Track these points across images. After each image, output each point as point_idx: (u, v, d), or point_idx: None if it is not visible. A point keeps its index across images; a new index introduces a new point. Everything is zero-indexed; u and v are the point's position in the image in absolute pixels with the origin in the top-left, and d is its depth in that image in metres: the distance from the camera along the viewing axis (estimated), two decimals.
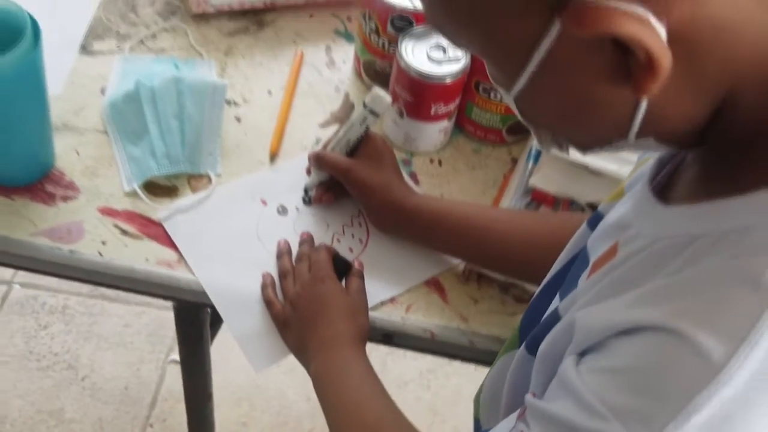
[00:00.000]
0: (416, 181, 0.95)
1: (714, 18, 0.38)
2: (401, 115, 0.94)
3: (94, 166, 0.90)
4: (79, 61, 0.99)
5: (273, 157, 0.94)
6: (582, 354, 0.44)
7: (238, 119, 0.97)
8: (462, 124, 0.99)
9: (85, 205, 0.87)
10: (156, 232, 0.86)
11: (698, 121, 0.43)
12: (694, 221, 0.43)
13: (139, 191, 0.87)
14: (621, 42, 0.37)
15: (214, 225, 0.86)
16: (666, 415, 0.37)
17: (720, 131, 0.43)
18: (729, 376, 0.36)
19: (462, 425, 1.64)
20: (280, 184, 0.90)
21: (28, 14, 0.78)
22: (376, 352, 0.87)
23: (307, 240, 0.87)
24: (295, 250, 0.87)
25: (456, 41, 0.44)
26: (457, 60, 0.91)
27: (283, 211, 0.89)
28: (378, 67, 0.99)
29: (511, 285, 0.87)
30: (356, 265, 0.85)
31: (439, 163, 0.97)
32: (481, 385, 0.72)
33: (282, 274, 0.85)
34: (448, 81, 0.91)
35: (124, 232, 0.86)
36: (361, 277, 0.85)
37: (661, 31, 0.37)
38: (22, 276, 1.74)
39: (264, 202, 0.89)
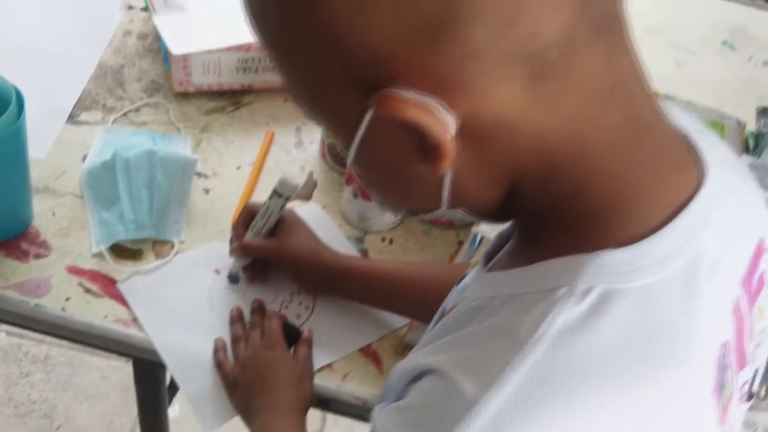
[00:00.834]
0: (366, 258, 1.01)
1: (494, 116, 0.43)
2: (355, 195, 1.02)
3: (67, 227, 0.98)
4: (66, 129, 1.08)
5: (235, 228, 1.01)
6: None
7: (207, 191, 1.05)
8: None
9: (55, 262, 0.94)
10: (117, 292, 0.93)
11: (494, 201, 0.49)
12: (493, 286, 0.50)
13: (106, 253, 0.95)
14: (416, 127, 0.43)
15: (169, 290, 0.93)
16: None
17: (514, 213, 0.50)
18: (479, 412, 0.42)
19: None
20: (235, 259, 0.97)
21: (14, 87, 0.86)
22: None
23: (258, 308, 0.94)
24: (247, 316, 0.93)
25: (305, 113, 0.50)
26: None
27: (234, 280, 0.96)
28: (339, 150, 1.07)
29: None
30: (306, 333, 0.92)
31: (390, 241, 1.04)
32: None
33: (234, 340, 0.91)
34: None
35: (88, 290, 0.93)
36: (310, 346, 0.91)
37: (451, 121, 0.43)
38: (8, 326, 1.80)
39: (217, 271, 0.96)
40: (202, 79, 1.12)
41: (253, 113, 1.15)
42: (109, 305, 0.92)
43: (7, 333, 1.81)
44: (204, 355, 0.90)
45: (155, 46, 1.19)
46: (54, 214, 0.99)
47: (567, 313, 0.44)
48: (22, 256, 0.94)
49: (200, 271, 0.96)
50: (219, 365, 0.89)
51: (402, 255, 1.02)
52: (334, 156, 1.09)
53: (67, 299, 0.91)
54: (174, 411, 1.16)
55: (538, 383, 0.43)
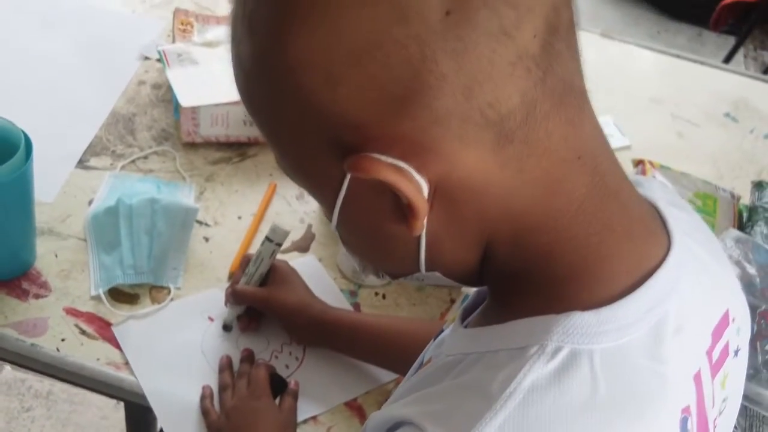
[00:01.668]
0: (358, 311, 1.03)
1: (463, 178, 0.46)
2: None
3: (68, 269, 1.01)
4: (75, 173, 1.12)
5: (231, 276, 1.04)
6: None
7: (206, 239, 1.07)
8: None
9: (54, 303, 0.97)
10: (111, 335, 0.95)
11: (470, 263, 0.52)
12: (468, 342, 0.52)
13: (103, 296, 0.97)
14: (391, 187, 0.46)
15: (162, 336, 0.95)
16: None
17: (488, 274, 0.52)
18: None
19: None
20: (229, 308, 0.99)
21: (23, 132, 0.90)
22: None
23: (247, 357, 0.95)
24: (236, 364, 0.95)
25: (293, 180, 0.53)
26: None
27: (227, 328, 0.98)
28: (325, 215, 1.10)
29: None
30: (292, 384, 0.93)
31: (383, 296, 1.05)
32: None
33: (222, 388, 0.93)
34: None
35: (83, 332, 0.95)
36: (295, 397, 0.93)
37: (423, 183, 0.46)
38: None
39: (211, 319, 0.98)
40: (209, 130, 1.16)
41: (257, 165, 1.18)
42: (102, 348, 0.94)
43: (12, 367, 1.84)
44: (192, 401, 0.91)
45: (167, 97, 1.23)
46: (56, 256, 1.02)
47: (537, 371, 0.46)
48: (23, 295, 0.97)
49: (194, 318, 0.98)
50: (205, 413, 0.91)
51: (394, 310, 1.04)
52: None
53: (63, 340, 0.94)
54: None
55: None
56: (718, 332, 0.55)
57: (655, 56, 1.51)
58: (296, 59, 0.43)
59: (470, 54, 0.42)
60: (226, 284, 1.02)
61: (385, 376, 0.96)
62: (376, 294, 1.05)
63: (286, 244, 1.08)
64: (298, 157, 0.50)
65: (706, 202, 1.06)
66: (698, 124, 1.37)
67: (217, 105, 1.13)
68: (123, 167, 1.13)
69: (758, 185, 1.12)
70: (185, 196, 1.10)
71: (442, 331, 0.68)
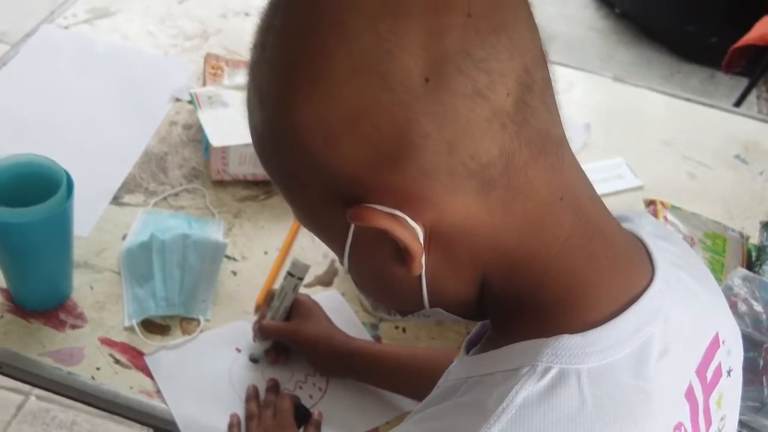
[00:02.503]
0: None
1: (454, 222, 0.51)
2: None
3: (103, 301, 1.05)
4: (109, 209, 1.17)
5: (258, 309, 1.08)
6: None
7: (234, 273, 1.12)
8: None
9: (89, 333, 1.02)
10: (144, 364, 0.99)
11: (468, 298, 0.57)
12: (470, 367, 0.57)
13: (136, 327, 1.02)
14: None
15: (193, 365, 1.00)
16: None
17: (487, 306, 0.58)
18: None
19: None
20: (256, 341, 1.03)
21: (65, 171, 0.95)
22: None
23: (273, 387, 0.99)
24: (262, 394, 0.99)
25: (310, 231, 0.59)
26: None
27: (255, 359, 1.02)
28: (340, 262, 1.15)
29: None
30: (316, 414, 0.97)
31: (403, 330, 1.09)
32: None
33: (248, 417, 0.97)
34: None
35: (117, 361, 0.99)
36: (318, 427, 0.97)
37: (418, 229, 0.51)
38: (40, 389, 1.87)
39: (238, 350, 1.03)
40: (238, 169, 1.21)
41: (282, 202, 1.21)
42: (135, 376, 0.98)
43: (38, 397, 1.88)
44: (220, 429, 0.95)
45: (198, 137, 1.28)
46: (92, 288, 1.07)
47: (528, 389, 0.50)
48: (60, 325, 1.02)
49: (223, 349, 1.03)
50: None
51: (413, 343, 1.08)
52: None
53: (98, 369, 0.98)
54: None
55: None
56: (709, 354, 0.60)
57: (666, 99, 1.56)
58: (299, 124, 0.49)
59: (449, 114, 0.48)
60: (252, 317, 1.07)
61: (407, 405, 1.00)
62: (397, 327, 1.09)
63: (309, 279, 1.13)
64: (308, 210, 0.56)
65: (716, 242, 1.10)
66: (709, 165, 1.41)
67: (245, 145, 1.18)
68: (155, 204, 1.19)
69: (766, 226, 1.16)
70: (214, 231, 1.15)
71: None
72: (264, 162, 0.56)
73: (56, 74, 1.36)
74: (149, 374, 0.98)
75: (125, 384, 0.97)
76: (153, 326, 1.04)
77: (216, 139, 1.19)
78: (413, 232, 0.51)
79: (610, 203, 0.58)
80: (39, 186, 0.94)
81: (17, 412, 1.86)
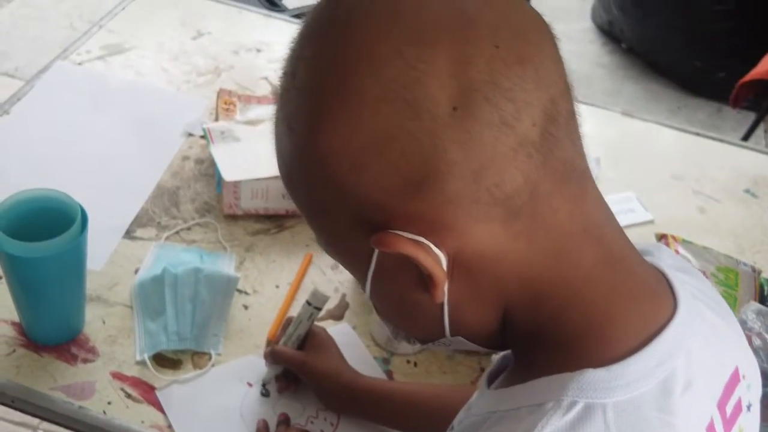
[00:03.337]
0: (391, 379, 1.07)
1: (478, 251, 0.52)
2: None
3: (115, 335, 1.06)
4: (122, 243, 1.17)
5: (269, 343, 1.08)
6: None
7: (246, 307, 1.12)
8: None
9: (101, 368, 1.02)
10: (155, 398, 0.99)
11: (490, 327, 0.57)
12: (493, 402, 0.57)
13: (148, 361, 1.02)
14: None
15: (204, 400, 0.99)
16: None
17: (509, 337, 0.58)
18: None
19: None
20: (268, 367, 1.03)
21: (80, 206, 0.96)
22: None
23: (283, 421, 0.99)
24: (272, 428, 0.99)
25: (332, 257, 0.60)
26: None
27: (266, 393, 1.01)
28: (362, 288, 1.14)
29: None
30: None
31: (415, 364, 1.09)
32: None
33: None
34: None
35: (128, 396, 0.99)
36: None
37: (442, 256, 0.52)
38: (48, 424, 1.86)
39: (249, 384, 1.02)
40: (250, 203, 1.22)
41: (294, 236, 1.23)
42: (147, 411, 0.98)
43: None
44: None
45: (210, 171, 1.29)
46: (104, 322, 1.07)
47: (554, 423, 0.51)
48: (71, 359, 1.02)
49: (234, 383, 1.02)
50: None
51: (425, 378, 1.07)
52: None
53: (109, 403, 0.98)
54: None
55: None
56: (729, 388, 0.60)
57: (675, 134, 1.56)
58: (327, 151, 0.51)
59: (475, 143, 0.49)
60: (263, 351, 1.06)
61: None
62: (408, 362, 1.09)
63: (321, 312, 1.12)
64: (332, 236, 0.57)
65: (728, 276, 1.10)
66: (719, 199, 1.41)
67: (257, 179, 1.19)
68: (167, 238, 1.19)
69: None
70: (226, 265, 1.16)
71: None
72: (290, 188, 0.57)
73: (70, 110, 1.37)
74: (161, 409, 0.98)
75: (137, 418, 0.97)
76: (165, 360, 1.04)
77: (228, 174, 1.19)
78: (437, 259, 0.52)
79: None
80: (53, 220, 0.94)
81: None
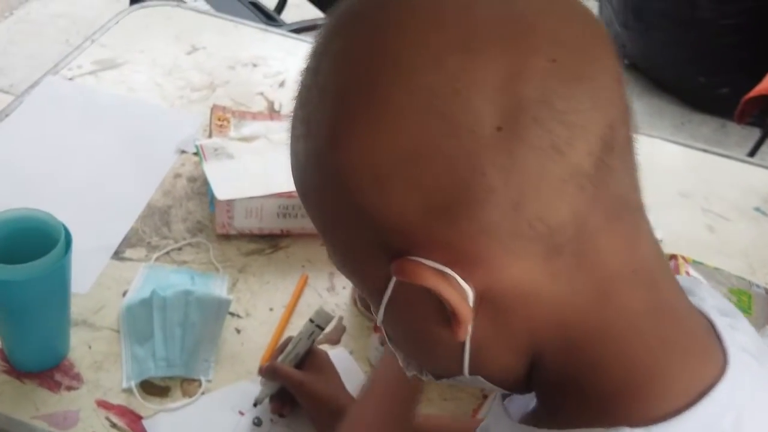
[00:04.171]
0: None
1: (511, 288, 0.46)
2: (382, 343, 1.03)
3: (101, 361, 1.01)
4: (110, 264, 1.13)
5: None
6: None
7: (238, 330, 1.08)
8: None
9: (85, 395, 0.97)
10: (142, 428, 0.94)
11: (515, 371, 0.52)
12: None
13: (135, 389, 0.97)
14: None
15: (194, 429, 0.95)
16: None
17: (536, 382, 0.52)
18: None
19: None
20: (263, 385, 0.98)
21: (63, 225, 0.92)
22: None
23: None
24: None
25: (345, 276, 0.55)
26: None
27: (258, 422, 0.97)
28: (372, 311, 1.10)
29: None
30: None
31: None
32: None
33: None
34: None
35: (113, 425, 0.94)
36: None
37: (468, 290, 0.46)
38: None
39: (241, 413, 0.98)
40: (243, 222, 1.18)
41: (289, 256, 1.19)
42: None
43: None
44: None
45: (203, 190, 1.25)
46: (90, 348, 1.02)
47: None
48: (55, 387, 0.97)
49: (225, 412, 0.98)
50: None
51: (425, 406, 1.02)
52: (364, 303, 1.11)
53: None
54: None
55: None
56: None
57: (681, 150, 1.52)
58: (347, 161, 0.45)
59: (520, 169, 0.43)
60: (257, 377, 1.02)
61: None
62: None
63: (323, 332, 1.08)
64: (346, 254, 0.51)
65: (741, 299, 1.05)
66: (728, 218, 1.37)
67: (251, 198, 1.15)
68: (157, 258, 1.15)
69: None
70: (218, 287, 1.11)
71: None
72: (302, 194, 0.51)
73: (59, 126, 1.34)
74: None
75: None
76: (152, 388, 0.99)
77: (221, 192, 1.15)
78: (463, 293, 0.46)
79: None
80: (36, 241, 0.90)
81: None
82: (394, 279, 0.48)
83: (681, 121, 3.23)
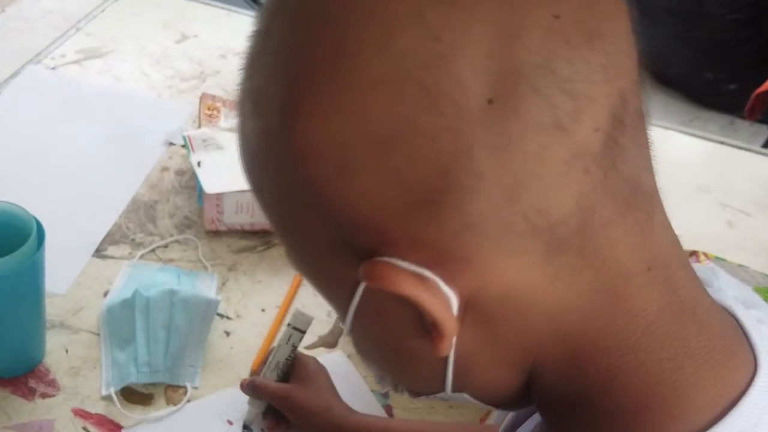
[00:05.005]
0: (391, 414, 0.95)
1: (502, 292, 0.39)
2: None
3: (79, 366, 0.94)
4: (91, 263, 1.06)
5: (253, 374, 0.96)
6: None
7: (227, 333, 1.00)
8: None
9: (61, 404, 0.90)
10: None
11: (509, 387, 0.44)
12: None
13: (115, 397, 0.90)
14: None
15: None
16: None
17: (535, 398, 0.45)
18: None
19: None
20: (249, 404, 0.91)
21: (35, 219, 0.84)
22: None
23: None
24: None
25: (303, 278, 0.47)
26: None
27: (247, 424, 0.89)
28: (340, 320, 1.03)
29: None
30: None
31: None
32: None
33: None
34: None
35: None
36: None
37: (452, 296, 0.39)
38: None
39: (230, 422, 0.90)
40: (234, 218, 1.10)
41: (282, 254, 1.10)
42: None
43: None
44: None
45: (191, 183, 1.18)
46: (67, 352, 0.95)
47: None
48: (29, 394, 0.90)
49: (212, 421, 0.90)
50: None
51: (429, 414, 0.95)
52: None
53: None
54: None
55: None
56: None
57: (696, 143, 1.45)
58: (305, 143, 0.38)
59: (515, 150, 0.36)
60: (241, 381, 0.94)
61: None
62: None
63: (311, 338, 1.01)
64: (306, 254, 0.43)
65: (767, 298, 0.98)
66: (749, 212, 1.30)
67: (242, 192, 1.08)
68: (142, 256, 1.07)
69: None
70: (207, 286, 1.04)
71: None
72: (252, 185, 0.44)
73: (40, 117, 1.26)
74: None
75: None
76: (134, 395, 0.92)
77: (210, 186, 1.08)
78: (445, 301, 0.38)
79: None
80: (5, 236, 0.83)
81: None
82: (362, 284, 0.41)
83: (689, 118, 3.16)
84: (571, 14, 0.36)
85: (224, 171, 1.10)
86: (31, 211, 0.85)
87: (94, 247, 1.08)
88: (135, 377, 0.91)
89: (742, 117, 2.48)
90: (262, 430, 0.88)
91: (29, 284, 0.86)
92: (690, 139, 1.45)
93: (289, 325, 0.89)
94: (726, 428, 0.40)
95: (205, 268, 1.07)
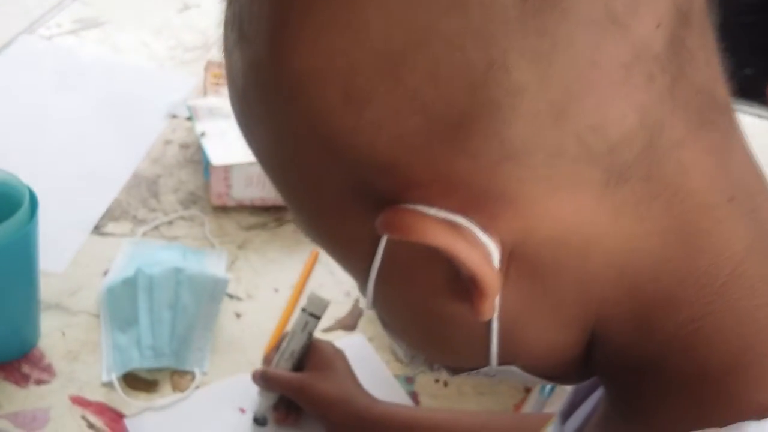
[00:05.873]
0: (417, 402, 0.87)
1: (554, 236, 0.33)
2: None
3: (77, 350, 0.86)
4: (90, 241, 0.99)
5: (266, 360, 0.88)
6: None
7: (238, 315, 0.93)
8: None
9: (58, 391, 0.83)
10: (124, 429, 0.80)
11: (568, 354, 0.38)
12: None
13: (116, 383, 0.83)
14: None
15: (185, 430, 0.81)
16: None
17: (598, 367, 0.38)
18: None
19: None
20: (260, 395, 0.84)
21: (28, 188, 0.77)
22: None
23: None
24: None
25: (314, 242, 0.40)
26: None
27: (262, 420, 0.82)
28: (359, 290, 0.95)
29: None
30: None
31: (445, 384, 0.90)
32: None
33: None
34: None
35: (91, 425, 0.80)
36: None
37: (492, 246, 0.32)
38: None
39: (242, 410, 0.83)
40: (243, 192, 1.03)
41: (296, 230, 1.04)
42: None
43: None
44: None
45: (197, 157, 1.11)
46: (64, 335, 0.88)
47: None
48: (22, 380, 0.83)
49: (223, 409, 0.83)
50: None
51: (458, 402, 0.88)
52: None
53: None
54: None
55: None
56: None
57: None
58: (303, 70, 0.31)
59: (561, 55, 0.29)
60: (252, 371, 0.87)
61: None
62: (437, 381, 0.90)
63: (328, 321, 0.93)
64: (315, 212, 0.37)
65: None
66: None
67: (251, 164, 0.99)
68: (144, 234, 1.00)
69: None
70: (214, 265, 0.97)
71: None
72: (244, 130, 0.37)
73: (34, 89, 1.20)
74: None
75: None
76: (137, 381, 0.84)
77: (217, 157, 1.01)
78: (484, 252, 0.32)
79: None
80: None
81: None
82: (384, 239, 0.34)
83: None
84: None
85: (233, 141, 1.03)
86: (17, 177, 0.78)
87: (93, 224, 1.00)
88: (138, 362, 0.84)
89: (765, 102, 2.43)
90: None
91: (21, 258, 0.79)
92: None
93: (303, 310, 0.82)
94: None
95: (213, 245, 1.00)
